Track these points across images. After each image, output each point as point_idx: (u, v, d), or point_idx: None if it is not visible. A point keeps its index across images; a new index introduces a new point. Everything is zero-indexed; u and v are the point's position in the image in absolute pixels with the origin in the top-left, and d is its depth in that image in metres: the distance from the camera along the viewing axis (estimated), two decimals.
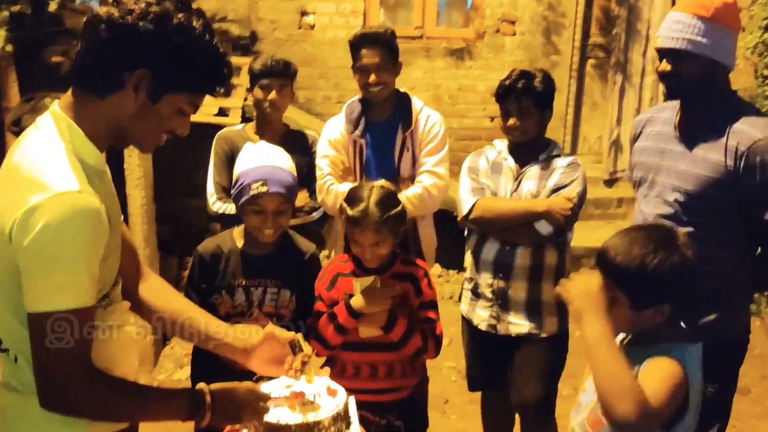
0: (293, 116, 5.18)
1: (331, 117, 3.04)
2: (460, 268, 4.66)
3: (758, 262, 2.13)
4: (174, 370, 4.01)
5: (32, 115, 2.23)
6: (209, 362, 2.14)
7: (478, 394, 3.00)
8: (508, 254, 2.58)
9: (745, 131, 2.03)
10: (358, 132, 2.88)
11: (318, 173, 2.90)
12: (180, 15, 1.34)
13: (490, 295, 2.63)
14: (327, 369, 1.83)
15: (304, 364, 1.76)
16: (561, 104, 6.02)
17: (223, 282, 2.19)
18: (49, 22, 5.11)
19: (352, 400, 1.82)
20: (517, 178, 2.62)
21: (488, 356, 2.75)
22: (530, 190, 2.59)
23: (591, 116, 6.27)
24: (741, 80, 5.57)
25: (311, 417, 1.65)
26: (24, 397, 1.39)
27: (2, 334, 1.39)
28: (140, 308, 1.70)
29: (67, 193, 1.26)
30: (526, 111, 2.55)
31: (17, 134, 2.16)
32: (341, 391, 1.78)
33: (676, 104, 2.27)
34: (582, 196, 2.56)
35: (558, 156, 2.64)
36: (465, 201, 2.64)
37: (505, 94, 2.58)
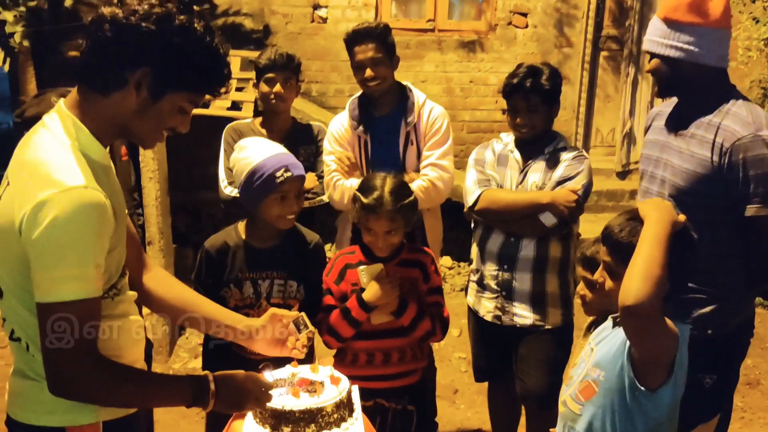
0: (306, 109, 5.25)
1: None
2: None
3: (745, 258, 2.15)
4: (189, 359, 4.09)
5: (36, 106, 2.29)
6: (220, 352, 2.21)
7: (486, 385, 3.03)
8: (513, 246, 2.61)
9: (730, 128, 2.05)
10: (362, 127, 2.91)
11: (324, 169, 2.94)
12: (182, 17, 1.39)
13: (495, 287, 2.66)
14: (331, 358, 1.88)
15: (309, 340, 1.82)
16: (573, 96, 6.01)
17: (231, 275, 2.24)
18: (65, 17, 5.19)
19: (355, 388, 1.87)
20: (523, 171, 2.65)
21: (493, 347, 2.79)
22: (536, 182, 2.61)
23: (604, 108, 6.26)
24: (755, 72, 5.54)
25: (315, 403, 1.70)
26: (36, 383, 1.44)
27: (14, 324, 1.45)
28: (146, 298, 1.76)
29: (74, 188, 1.31)
30: (535, 108, 2.57)
31: (20, 125, 2.24)
32: (344, 379, 1.83)
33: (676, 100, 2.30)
34: (587, 188, 2.58)
35: (564, 149, 2.66)
36: (470, 192, 2.67)
37: (512, 91, 2.60)
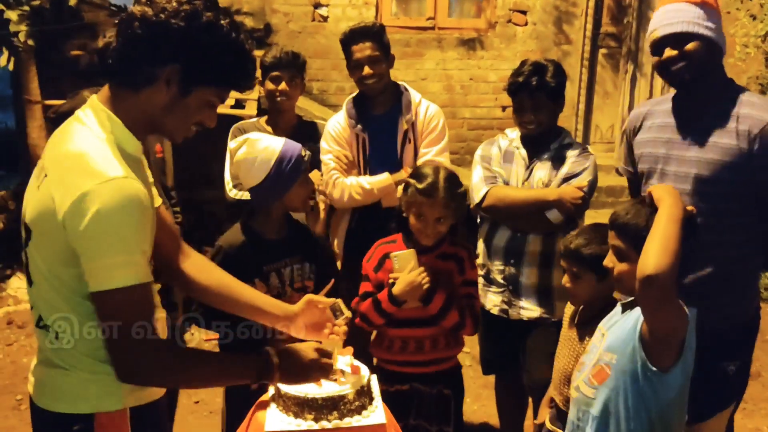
0: (307, 107, 5.28)
1: None
2: None
3: (764, 240, 2.17)
4: None
5: (71, 102, 2.35)
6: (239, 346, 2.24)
7: (491, 379, 3.08)
8: (520, 241, 2.64)
9: (754, 115, 2.07)
10: (360, 126, 2.95)
11: (323, 168, 2.98)
12: (208, 14, 1.43)
13: (501, 281, 2.69)
14: (350, 348, 1.92)
15: (346, 326, 1.88)
16: (573, 93, 6.06)
17: (255, 270, 2.26)
18: (68, 17, 5.22)
19: (374, 377, 1.91)
20: (529, 167, 2.68)
21: (501, 340, 2.82)
22: (541, 178, 2.64)
23: (603, 105, 6.31)
24: (752, 68, 5.59)
25: (337, 391, 1.74)
26: (63, 371, 1.47)
27: (43, 312, 1.48)
28: (186, 285, 1.81)
29: (114, 179, 1.35)
30: (540, 105, 2.60)
31: (52, 120, 2.27)
32: (364, 368, 1.88)
33: (672, 95, 2.31)
34: (593, 184, 2.62)
35: (570, 145, 2.69)
36: (478, 189, 2.70)
37: (518, 89, 2.62)
